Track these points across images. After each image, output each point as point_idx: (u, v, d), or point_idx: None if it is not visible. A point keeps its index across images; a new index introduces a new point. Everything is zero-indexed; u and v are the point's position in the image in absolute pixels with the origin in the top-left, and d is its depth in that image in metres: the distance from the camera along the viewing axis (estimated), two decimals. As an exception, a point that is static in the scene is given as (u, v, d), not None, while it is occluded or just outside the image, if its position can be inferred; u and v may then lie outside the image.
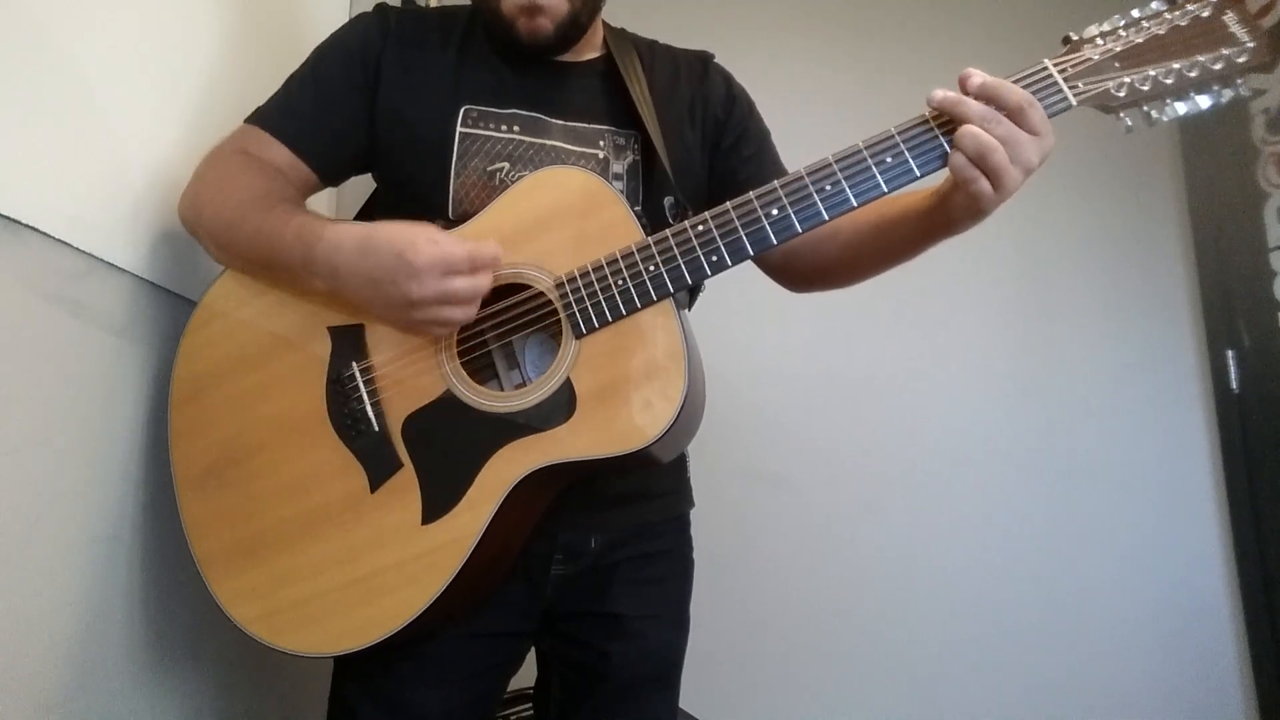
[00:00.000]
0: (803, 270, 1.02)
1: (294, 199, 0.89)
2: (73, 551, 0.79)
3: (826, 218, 0.77)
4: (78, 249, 0.79)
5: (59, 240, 0.76)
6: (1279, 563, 1.85)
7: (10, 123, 0.70)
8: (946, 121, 0.75)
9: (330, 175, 0.97)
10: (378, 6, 1.00)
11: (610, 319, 0.78)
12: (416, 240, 0.76)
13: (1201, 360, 2.02)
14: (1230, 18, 0.73)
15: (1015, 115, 0.72)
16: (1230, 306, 2.00)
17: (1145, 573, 1.92)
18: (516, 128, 0.93)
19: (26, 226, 0.72)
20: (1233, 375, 1.97)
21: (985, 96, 0.73)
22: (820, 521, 1.92)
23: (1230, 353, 1.98)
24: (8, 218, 0.69)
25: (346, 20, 1.00)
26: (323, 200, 1.35)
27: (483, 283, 0.77)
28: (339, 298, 0.83)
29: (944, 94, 0.74)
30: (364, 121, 0.94)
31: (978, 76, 0.74)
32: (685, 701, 1.01)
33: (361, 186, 1.04)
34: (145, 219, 0.90)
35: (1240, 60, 0.72)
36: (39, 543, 0.74)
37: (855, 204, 0.76)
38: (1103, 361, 2.03)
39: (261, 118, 0.93)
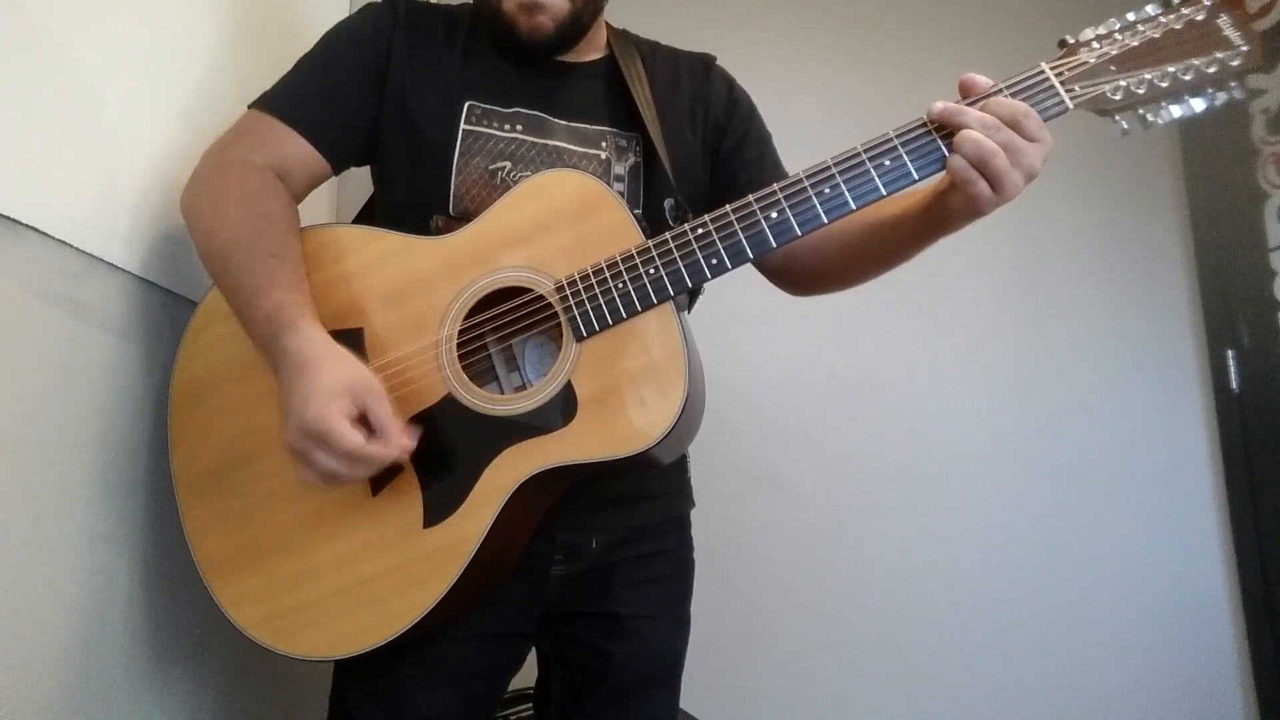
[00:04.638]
0: (801, 273, 1.02)
1: (285, 237, 0.84)
2: (72, 552, 0.79)
3: (825, 220, 0.77)
4: (78, 249, 0.79)
5: (59, 240, 0.76)
6: (1279, 563, 1.85)
7: (10, 123, 0.70)
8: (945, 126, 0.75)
9: (340, 165, 0.95)
10: None
11: (610, 322, 0.78)
12: (331, 405, 0.71)
13: (1201, 360, 2.02)
14: (1224, 21, 0.74)
15: (1011, 126, 0.72)
16: (1230, 306, 1.99)
17: (1145, 573, 1.92)
18: (519, 127, 0.93)
19: (26, 226, 0.72)
20: (1233, 375, 1.97)
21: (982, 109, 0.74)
22: (820, 521, 1.91)
23: (1230, 353, 1.98)
24: (8, 218, 0.69)
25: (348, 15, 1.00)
26: (322, 201, 1.35)
27: (347, 472, 0.73)
28: (338, 304, 0.83)
29: (943, 106, 0.75)
30: (374, 110, 0.93)
31: (979, 86, 0.75)
32: (685, 701, 1.01)
33: (362, 187, 1.04)
34: (145, 219, 0.89)
35: (1234, 64, 0.73)
36: (39, 543, 0.74)
37: (854, 206, 0.77)
38: (1103, 361, 2.03)
39: (272, 105, 0.90)
